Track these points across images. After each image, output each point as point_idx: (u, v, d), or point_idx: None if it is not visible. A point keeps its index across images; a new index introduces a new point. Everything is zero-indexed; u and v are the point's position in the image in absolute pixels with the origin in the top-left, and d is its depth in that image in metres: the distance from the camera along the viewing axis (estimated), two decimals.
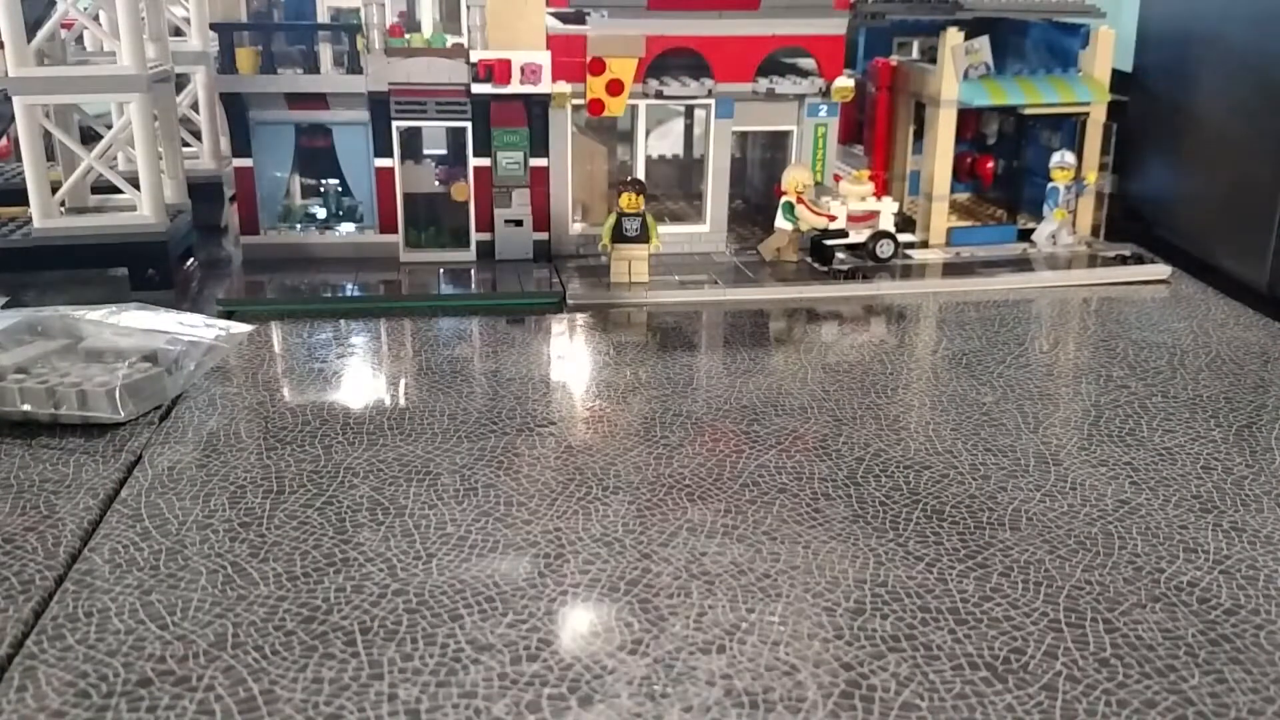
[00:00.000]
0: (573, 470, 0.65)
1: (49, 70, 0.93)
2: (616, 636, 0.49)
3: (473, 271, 1.03)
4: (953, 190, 1.11)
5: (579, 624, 0.50)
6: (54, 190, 0.96)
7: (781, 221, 1.04)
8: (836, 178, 1.08)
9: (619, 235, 0.96)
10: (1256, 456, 0.68)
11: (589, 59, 1.01)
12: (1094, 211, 1.11)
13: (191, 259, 1.07)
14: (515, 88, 1.00)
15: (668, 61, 1.03)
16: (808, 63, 1.07)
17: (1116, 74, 1.11)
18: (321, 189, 1.09)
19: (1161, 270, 1.05)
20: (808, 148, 1.07)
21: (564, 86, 1.01)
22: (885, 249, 1.04)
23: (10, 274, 0.97)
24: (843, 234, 1.03)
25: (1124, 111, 1.17)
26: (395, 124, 1.01)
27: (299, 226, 1.06)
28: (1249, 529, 0.59)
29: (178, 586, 0.52)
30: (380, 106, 1.00)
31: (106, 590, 0.52)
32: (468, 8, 1.01)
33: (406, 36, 0.99)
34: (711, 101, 1.04)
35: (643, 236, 0.96)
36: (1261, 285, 0.99)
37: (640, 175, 1.04)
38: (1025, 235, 1.12)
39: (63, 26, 0.97)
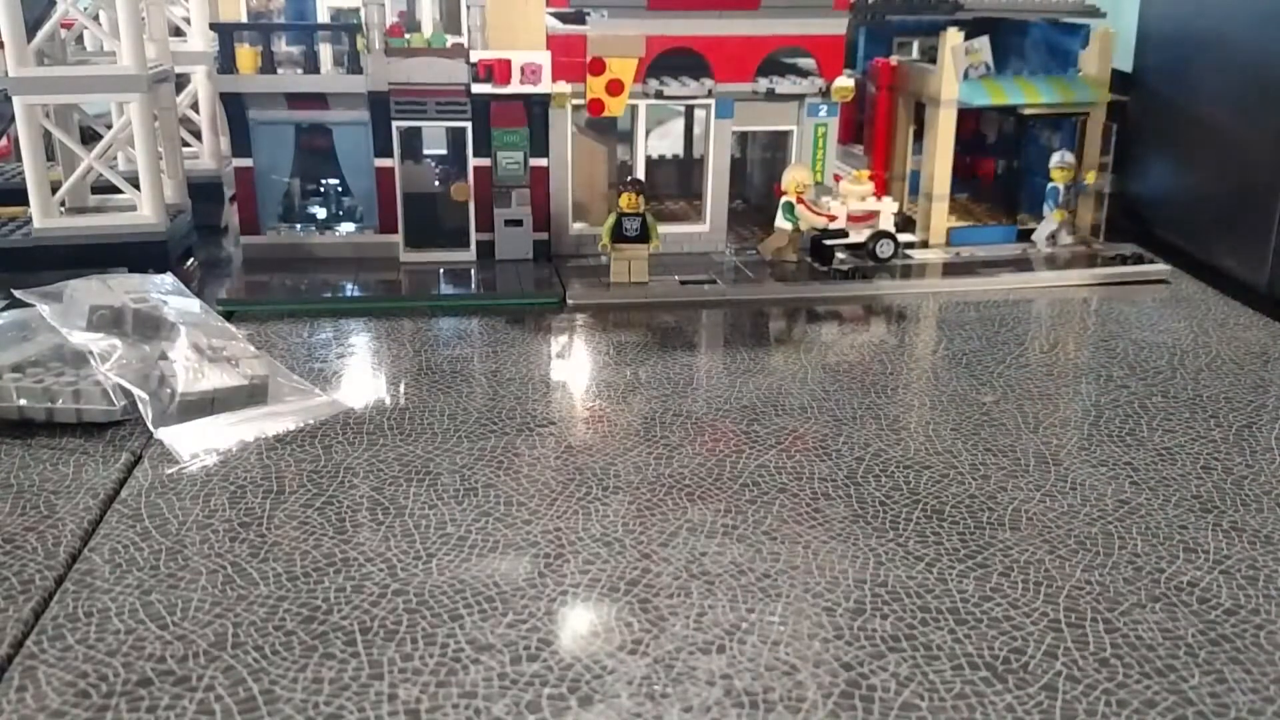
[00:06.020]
0: (573, 470, 0.65)
1: (49, 70, 0.93)
2: (616, 636, 0.49)
3: (473, 271, 1.03)
4: (952, 192, 1.11)
5: (579, 624, 0.50)
6: (54, 190, 0.96)
7: (781, 221, 1.04)
8: (836, 178, 1.08)
9: (619, 235, 0.96)
10: (1256, 456, 0.68)
11: (589, 59, 1.01)
12: (1094, 211, 1.11)
13: (191, 259, 1.07)
14: (515, 88, 0.99)
15: (667, 61, 1.03)
16: (808, 63, 1.07)
17: (1116, 74, 1.11)
18: (321, 189, 1.09)
19: (1161, 270, 1.05)
20: (808, 148, 1.07)
21: (564, 86, 1.01)
22: (885, 249, 1.04)
23: (10, 274, 0.97)
24: (843, 234, 1.03)
25: (1124, 111, 1.17)
26: (395, 124, 1.01)
27: (299, 226, 1.06)
28: (1249, 529, 0.59)
29: (178, 586, 0.52)
30: (380, 106, 1.00)
31: (106, 590, 0.52)
32: (468, 8, 1.01)
33: (406, 36, 0.99)
34: (711, 101, 1.04)
35: (643, 236, 0.96)
36: (1261, 285, 0.99)
37: (640, 175, 1.04)
38: (1025, 235, 1.11)
39: (63, 26, 0.97)
